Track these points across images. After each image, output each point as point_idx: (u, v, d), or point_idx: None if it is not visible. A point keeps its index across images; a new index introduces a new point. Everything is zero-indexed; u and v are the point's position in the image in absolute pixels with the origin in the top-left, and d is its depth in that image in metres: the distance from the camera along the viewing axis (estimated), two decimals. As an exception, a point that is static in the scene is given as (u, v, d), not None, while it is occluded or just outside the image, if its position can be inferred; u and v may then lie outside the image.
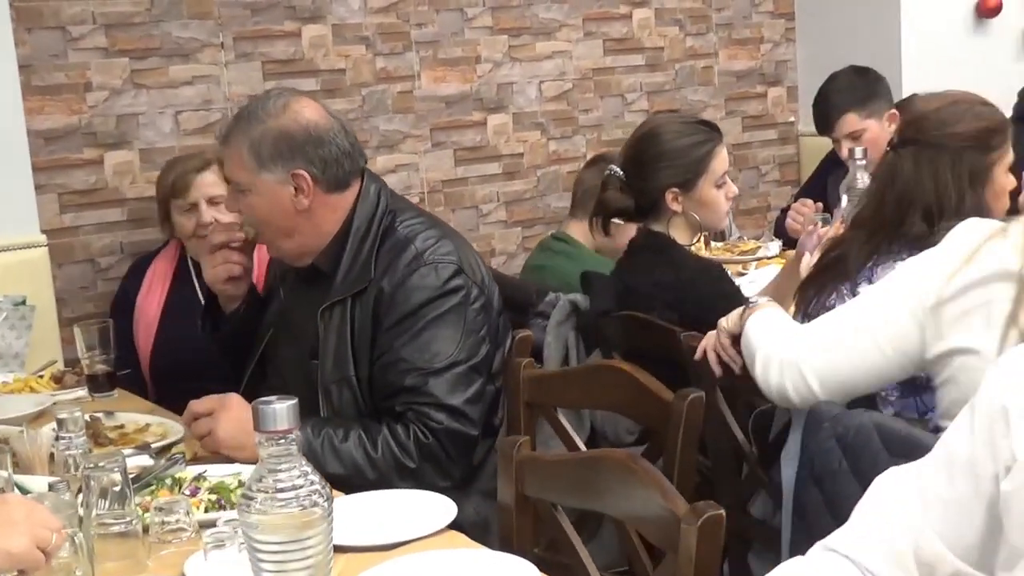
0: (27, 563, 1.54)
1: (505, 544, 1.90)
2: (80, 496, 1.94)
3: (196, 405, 2.35)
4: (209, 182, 3.37)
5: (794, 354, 2.12)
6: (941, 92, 2.47)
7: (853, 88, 3.98)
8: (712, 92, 4.98)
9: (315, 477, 1.32)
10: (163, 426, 2.59)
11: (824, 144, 4.81)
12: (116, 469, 1.83)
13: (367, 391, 2.45)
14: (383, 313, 2.42)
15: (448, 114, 4.31)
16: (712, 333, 2.44)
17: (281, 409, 1.29)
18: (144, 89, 3.72)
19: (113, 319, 3.09)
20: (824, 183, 4.28)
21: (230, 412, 2.30)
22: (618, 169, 2.87)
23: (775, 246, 4.13)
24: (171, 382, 3.22)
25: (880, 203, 2.42)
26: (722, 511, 1.55)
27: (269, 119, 2.43)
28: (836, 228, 3.03)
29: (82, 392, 2.97)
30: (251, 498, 1.31)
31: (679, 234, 2.88)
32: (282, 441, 1.30)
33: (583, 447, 2.39)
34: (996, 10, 4.95)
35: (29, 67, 3.49)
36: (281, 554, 1.29)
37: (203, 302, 3.37)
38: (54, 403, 2.87)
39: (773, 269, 3.76)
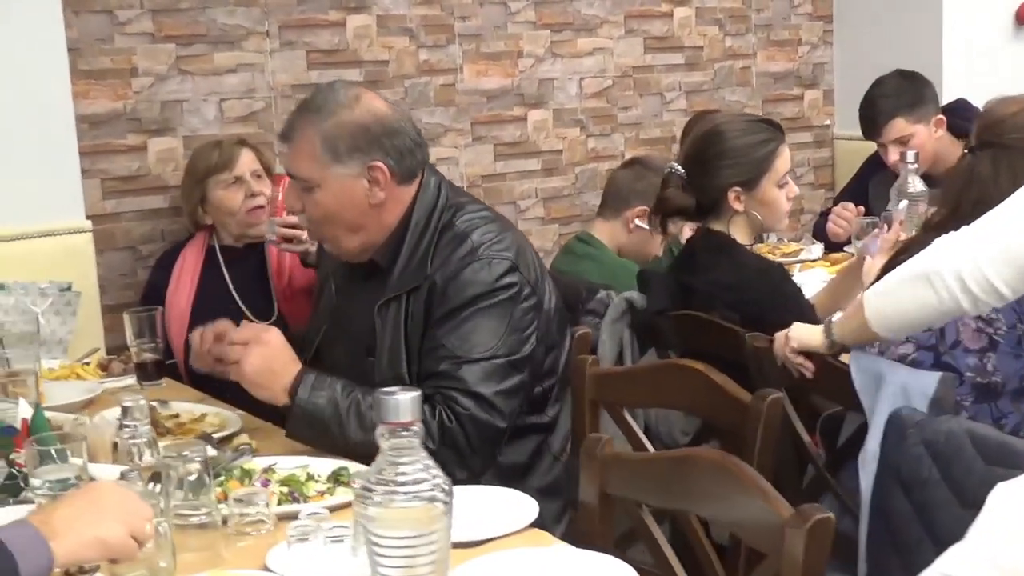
0: (120, 552, 1.51)
1: (586, 542, 1.87)
2: (152, 485, 1.93)
3: (235, 333, 2.32)
4: (250, 159, 3.41)
5: (964, 258, 2.01)
6: (1019, 96, 2.44)
7: (901, 93, 3.95)
8: (749, 93, 4.95)
9: (437, 471, 1.28)
10: (220, 416, 2.56)
11: (860, 148, 4.79)
12: (197, 459, 1.79)
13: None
14: (435, 306, 2.38)
15: (489, 108, 4.27)
16: (780, 339, 2.41)
17: (404, 400, 1.26)
18: (189, 76, 3.69)
19: None
20: (865, 187, 4.25)
21: (264, 348, 2.27)
22: (679, 167, 2.83)
23: (818, 249, 4.10)
24: (206, 378, 3.18)
25: (956, 205, 2.39)
26: (831, 515, 1.52)
27: (342, 111, 2.38)
28: (896, 232, 3.00)
29: (130, 380, 2.93)
30: (370, 490, 1.27)
31: (739, 233, 2.84)
32: (404, 433, 1.26)
33: (650, 446, 2.36)
34: (1036, 17, 4.92)
35: (76, 50, 3.45)
36: (404, 549, 1.25)
37: (234, 292, 3.36)
38: (104, 390, 2.85)
39: (817, 272, 3.73)
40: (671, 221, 2.95)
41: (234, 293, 3.39)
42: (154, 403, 2.59)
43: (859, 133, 4.95)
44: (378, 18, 4.00)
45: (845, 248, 4.05)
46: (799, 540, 1.51)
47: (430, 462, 1.28)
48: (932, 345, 2.31)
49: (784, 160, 2.83)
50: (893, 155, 3.93)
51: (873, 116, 3.98)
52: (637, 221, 3.55)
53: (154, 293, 3.45)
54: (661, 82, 4.69)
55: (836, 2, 5.15)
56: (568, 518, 2.50)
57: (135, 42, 3.59)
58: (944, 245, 2.04)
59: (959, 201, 2.39)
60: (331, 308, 2.63)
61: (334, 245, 2.49)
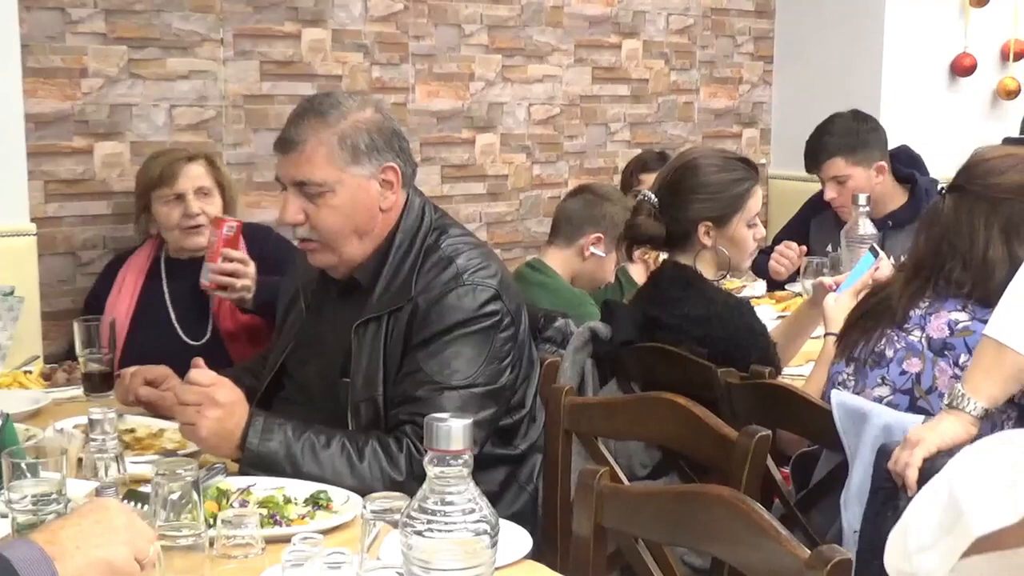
0: (124, 575, 1.44)
1: (579, 574, 1.84)
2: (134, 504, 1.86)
3: (183, 394, 2.17)
4: (196, 174, 3.28)
5: None
6: (1001, 147, 2.49)
7: (847, 134, 4.01)
8: (691, 128, 4.99)
9: (483, 503, 1.24)
10: (179, 432, 2.47)
11: (794, 188, 4.88)
12: (188, 477, 1.73)
13: (387, 409, 2.37)
14: (415, 329, 2.34)
15: (438, 130, 4.24)
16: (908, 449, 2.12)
17: (456, 428, 1.21)
18: (140, 80, 3.59)
19: None
20: (806, 226, 4.31)
21: (219, 411, 2.15)
22: (652, 195, 2.83)
23: (761, 285, 4.15)
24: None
25: (920, 243, 2.43)
26: (850, 556, 1.51)
27: (354, 112, 2.34)
28: (841, 278, 3.02)
29: (76, 391, 2.84)
30: (415, 518, 1.22)
31: (705, 269, 2.84)
32: (454, 462, 1.22)
33: (624, 478, 2.34)
34: (970, 69, 5.05)
35: (26, 47, 3.34)
36: (447, 581, 1.21)
37: (170, 307, 3.26)
38: (52, 400, 2.75)
39: (764, 309, 3.75)
40: (637, 248, 2.94)
41: (170, 308, 3.28)
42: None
43: (794, 172, 5.05)
44: (333, 32, 3.95)
45: (786, 286, 4.10)
46: (819, 582, 1.49)
47: (476, 492, 1.24)
48: (908, 389, 2.33)
49: (756, 200, 2.84)
50: (829, 192, 4.02)
51: (815, 151, 4.05)
52: (592, 248, 3.54)
53: (95, 301, 3.35)
54: (607, 112, 4.71)
55: (777, 43, 5.23)
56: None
57: (86, 42, 3.49)
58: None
59: (922, 240, 2.43)
60: (300, 326, 2.57)
61: (337, 254, 2.40)
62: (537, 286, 3.53)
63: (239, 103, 3.76)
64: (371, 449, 2.22)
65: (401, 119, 4.09)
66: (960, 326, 2.31)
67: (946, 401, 2.12)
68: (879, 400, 2.32)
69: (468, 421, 1.23)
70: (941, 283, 2.37)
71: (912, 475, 2.03)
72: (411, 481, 2.18)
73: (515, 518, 2.45)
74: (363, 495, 2.04)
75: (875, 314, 2.46)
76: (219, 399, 2.15)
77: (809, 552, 1.54)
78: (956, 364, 2.28)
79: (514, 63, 4.41)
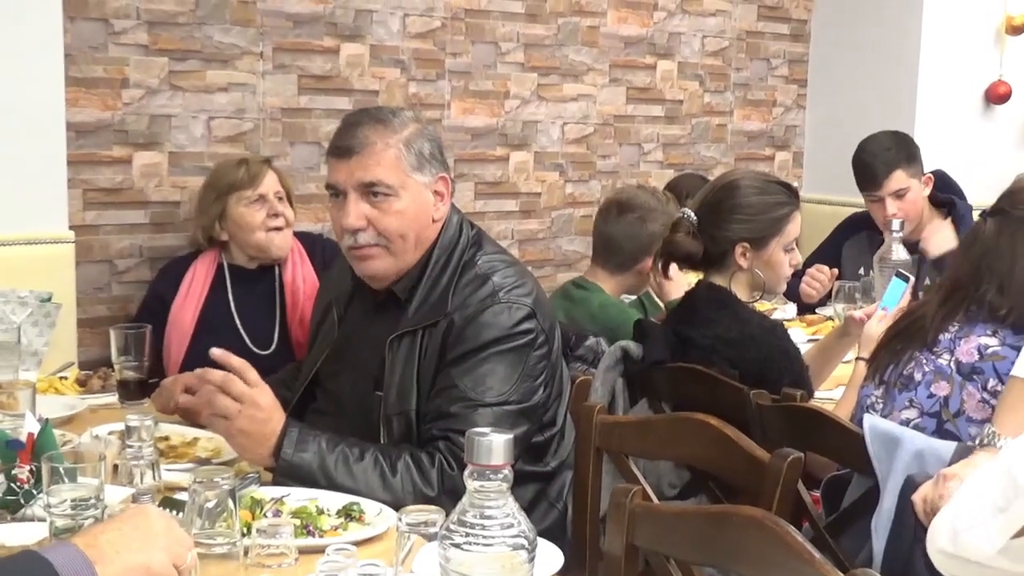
0: None
1: (610, 594, 1.84)
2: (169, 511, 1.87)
3: (232, 385, 2.14)
4: (274, 179, 3.38)
5: None
6: None
7: (899, 146, 4.01)
8: (723, 150, 5.00)
9: (522, 518, 1.25)
10: (213, 442, 2.48)
11: (825, 211, 4.88)
12: (225, 486, 1.75)
13: (420, 424, 2.38)
14: (450, 345, 2.35)
15: (473, 146, 4.27)
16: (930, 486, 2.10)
17: (498, 442, 1.22)
18: (180, 91, 3.63)
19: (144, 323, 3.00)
20: (839, 250, 4.30)
21: (257, 412, 2.15)
22: (691, 213, 2.83)
23: (791, 308, 4.15)
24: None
25: (958, 265, 2.43)
26: (883, 581, 1.51)
27: (412, 122, 2.40)
28: (871, 309, 3.02)
29: (111, 398, 2.86)
30: (453, 531, 1.24)
31: (739, 290, 2.84)
32: (494, 476, 1.23)
33: (653, 496, 2.34)
34: (1005, 97, 5.04)
35: (68, 56, 3.38)
36: (484, 595, 1.22)
37: (235, 315, 3.30)
38: (87, 407, 2.77)
39: (795, 332, 3.74)
40: (673, 265, 2.94)
41: (235, 316, 3.33)
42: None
43: (826, 196, 5.06)
44: (371, 48, 3.98)
45: (817, 309, 4.10)
46: (851, 606, 1.49)
47: (515, 507, 1.25)
48: (936, 412, 2.33)
49: (795, 226, 2.84)
50: (891, 208, 3.95)
51: (874, 168, 3.99)
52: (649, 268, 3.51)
53: (158, 304, 3.39)
54: (640, 132, 4.72)
55: (811, 68, 5.23)
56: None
57: (128, 52, 3.53)
58: None
59: (961, 260, 2.43)
60: (334, 338, 2.58)
61: (396, 262, 2.41)
62: (577, 303, 3.50)
63: (277, 116, 3.80)
64: (404, 464, 2.23)
65: (436, 135, 4.12)
66: (990, 351, 2.30)
67: (978, 441, 2.12)
68: (906, 423, 2.32)
69: (509, 436, 1.24)
70: (974, 307, 2.37)
71: (939, 504, 1.98)
72: (442, 496, 2.19)
73: (544, 535, 2.45)
74: (395, 508, 2.07)
75: (906, 336, 2.46)
76: (260, 402, 2.16)
77: (842, 575, 1.54)
78: (984, 388, 2.28)
79: (549, 82, 4.43)
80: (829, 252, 4.32)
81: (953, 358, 2.34)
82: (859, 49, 5.07)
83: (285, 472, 2.18)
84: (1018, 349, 2.12)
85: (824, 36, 5.20)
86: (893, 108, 4.90)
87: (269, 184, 3.34)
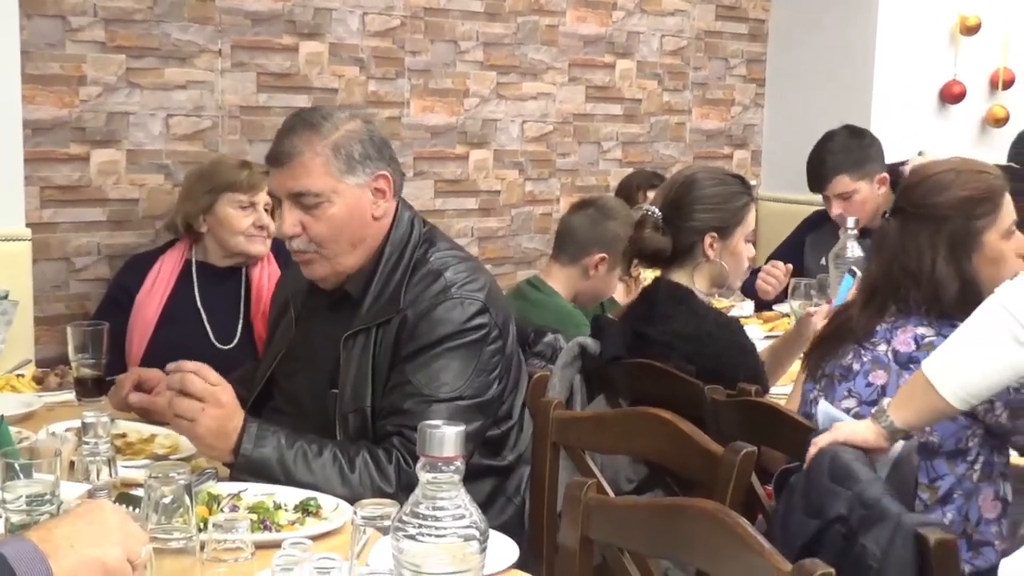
0: (116, 575, 1.46)
1: (564, 587, 1.86)
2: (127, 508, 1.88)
3: (191, 384, 2.14)
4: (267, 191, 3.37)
5: None
6: (943, 161, 2.52)
7: (848, 150, 4.07)
8: (682, 148, 5.04)
9: (473, 509, 1.27)
10: (171, 438, 2.48)
11: (784, 210, 4.92)
12: (181, 481, 1.75)
13: (375, 420, 2.39)
14: (404, 342, 2.37)
15: (432, 145, 4.28)
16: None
17: (450, 434, 1.24)
18: (138, 88, 3.62)
19: (105, 317, 2.99)
20: (801, 245, 4.34)
21: (220, 411, 2.16)
22: (656, 209, 2.85)
23: (749, 306, 4.18)
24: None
25: (874, 269, 2.49)
26: (832, 570, 1.54)
27: (345, 122, 2.39)
28: (824, 310, 3.06)
29: (68, 395, 2.86)
30: (406, 523, 1.25)
31: (701, 283, 2.87)
32: (446, 468, 1.25)
33: (610, 490, 2.36)
34: (959, 97, 5.11)
35: (25, 54, 3.36)
36: (436, 586, 1.23)
37: (201, 310, 3.30)
38: (43, 404, 2.77)
39: (752, 329, 3.78)
40: (637, 264, 2.95)
41: (201, 311, 3.33)
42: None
43: (784, 194, 5.11)
44: (331, 46, 3.99)
45: (774, 306, 4.14)
46: (800, 595, 1.52)
47: (467, 499, 1.27)
48: (874, 400, 2.37)
49: (753, 216, 2.89)
50: (836, 208, 4.03)
51: (819, 171, 4.08)
52: (599, 267, 3.54)
53: (124, 296, 3.38)
54: (600, 131, 4.75)
55: (769, 67, 5.28)
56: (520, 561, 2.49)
57: (85, 50, 3.51)
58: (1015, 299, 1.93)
59: (875, 264, 2.48)
60: (290, 337, 2.59)
61: (332, 265, 2.43)
62: (533, 304, 3.53)
63: (235, 114, 3.79)
64: (361, 460, 2.24)
65: (395, 133, 4.14)
66: (926, 340, 2.35)
67: (874, 409, 2.16)
68: (847, 412, 2.37)
69: (461, 428, 1.26)
70: (901, 305, 2.41)
71: (811, 452, 2.16)
72: (400, 492, 2.20)
73: (502, 530, 2.47)
74: (353, 502, 2.10)
75: (837, 336, 2.50)
76: (223, 399, 2.16)
77: (792, 565, 1.57)
78: None
79: (509, 80, 4.45)
80: (792, 247, 4.36)
81: (890, 348, 2.39)
82: (816, 49, 5.12)
83: (244, 468, 2.19)
84: None
85: (782, 36, 5.25)
86: (850, 107, 4.95)
87: (263, 196, 3.34)
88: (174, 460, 2.30)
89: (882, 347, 2.40)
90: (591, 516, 1.87)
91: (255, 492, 2.09)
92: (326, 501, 2.09)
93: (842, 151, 4.05)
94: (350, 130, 2.38)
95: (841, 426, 2.14)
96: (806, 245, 4.27)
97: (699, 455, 2.18)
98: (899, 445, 2.18)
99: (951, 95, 5.11)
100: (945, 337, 2.21)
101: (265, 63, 3.85)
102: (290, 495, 2.10)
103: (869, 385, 2.40)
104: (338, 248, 2.40)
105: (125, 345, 3.30)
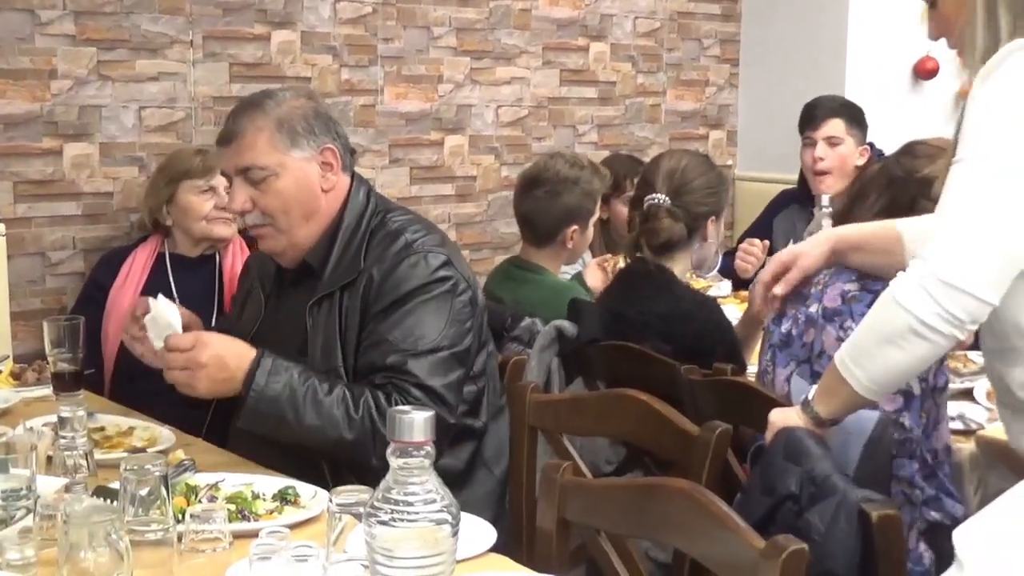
0: None
1: (543, 568, 1.87)
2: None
3: (171, 362, 2.30)
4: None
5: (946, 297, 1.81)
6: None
7: (847, 104, 4.18)
8: (658, 130, 5.04)
9: (445, 492, 1.28)
10: (149, 431, 2.50)
11: (760, 189, 4.94)
12: (157, 473, 1.75)
13: (353, 380, 2.42)
14: (372, 300, 2.43)
15: (407, 131, 4.27)
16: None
17: (419, 420, 1.25)
18: (109, 81, 3.60)
19: (81, 312, 2.99)
20: (770, 224, 4.37)
21: (203, 370, 2.28)
22: (664, 197, 2.85)
23: (726, 285, 4.19)
24: (133, 382, 3.12)
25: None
26: (804, 546, 1.55)
27: (289, 100, 2.47)
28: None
29: (46, 391, 2.85)
30: (378, 508, 1.26)
31: (681, 267, 2.89)
32: (417, 453, 1.26)
33: (588, 472, 2.38)
34: (933, 73, 5.12)
35: (-6, 49, 3.36)
36: (410, 571, 1.24)
37: (177, 302, 3.30)
38: (20, 399, 2.76)
39: (730, 308, 3.79)
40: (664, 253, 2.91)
41: (177, 301, 3.32)
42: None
43: (760, 174, 5.12)
44: (303, 34, 3.97)
45: (751, 285, 4.15)
46: (773, 572, 1.53)
47: (439, 483, 1.28)
48: (807, 359, 2.40)
49: None
50: (820, 150, 4.08)
51: (814, 111, 4.16)
52: (574, 236, 3.53)
53: (99, 292, 3.39)
54: (575, 114, 4.75)
55: (743, 47, 5.28)
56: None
57: (56, 43, 3.50)
58: (914, 288, 1.86)
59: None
60: (258, 318, 2.62)
61: (287, 238, 2.48)
62: (524, 283, 3.50)
63: (209, 105, 3.78)
64: (365, 401, 2.31)
65: (369, 121, 4.14)
66: (850, 295, 2.35)
67: (801, 399, 2.13)
68: (789, 378, 2.39)
69: (430, 413, 1.26)
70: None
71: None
72: None
73: (483, 502, 2.50)
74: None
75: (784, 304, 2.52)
76: (202, 359, 2.27)
77: (765, 542, 1.59)
78: (841, 328, 2.33)
79: (482, 65, 4.45)
80: (761, 228, 4.39)
81: (820, 305, 2.40)
82: (789, 28, 5.13)
83: (256, 402, 2.28)
84: (875, 293, 2.14)
85: (754, 15, 5.25)
86: (824, 85, 4.94)
87: (221, 178, 3.33)
88: (152, 452, 2.31)
89: (814, 307, 2.41)
90: (567, 498, 1.88)
91: (233, 482, 2.10)
92: (304, 489, 2.10)
93: (844, 104, 4.17)
94: (293, 106, 2.46)
95: (772, 416, 2.13)
96: (774, 224, 4.30)
97: (675, 435, 2.20)
98: (871, 422, 2.19)
99: (925, 71, 5.12)
100: (870, 292, 2.21)
101: (237, 53, 3.84)
102: (268, 484, 2.11)
103: (804, 345, 2.42)
104: (290, 220, 2.46)
105: (101, 339, 3.29)
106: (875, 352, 1.90)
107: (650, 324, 2.76)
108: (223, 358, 2.29)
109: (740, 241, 4.29)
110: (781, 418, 2.10)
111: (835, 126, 4.09)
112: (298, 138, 2.43)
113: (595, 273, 3.63)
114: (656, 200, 2.85)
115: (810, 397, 2.09)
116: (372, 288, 2.41)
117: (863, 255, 2.26)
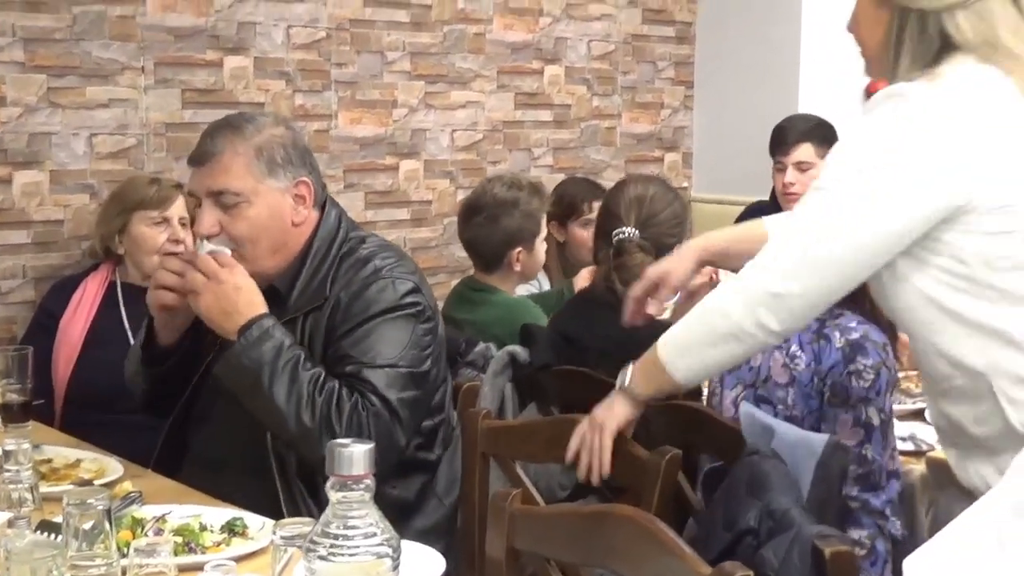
0: None
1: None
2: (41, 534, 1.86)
3: (201, 262, 2.35)
4: (181, 204, 3.36)
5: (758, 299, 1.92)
6: None
7: (820, 125, 4.15)
8: (613, 153, 5.06)
9: (385, 525, 1.27)
10: (98, 462, 2.47)
11: (715, 211, 4.95)
12: (100, 507, 1.73)
13: None
14: (338, 322, 2.41)
15: (362, 156, 4.27)
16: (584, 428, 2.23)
17: (358, 453, 1.24)
18: (59, 108, 3.58)
19: (32, 341, 2.96)
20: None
21: (218, 287, 2.33)
22: (634, 231, 2.82)
23: (683, 309, 4.21)
24: (84, 411, 3.10)
25: None
26: (751, 572, 1.55)
27: (268, 127, 2.43)
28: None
29: (-5, 422, 2.81)
30: (317, 543, 1.25)
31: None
32: (356, 487, 1.25)
33: (540, 499, 2.37)
34: (885, 93, 5.16)
35: (-59, 76, 3.33)
36: (349, 605, 1.23)
37: (128, 331, 3.27)
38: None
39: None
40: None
41: (128, 331, 3.30)
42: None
43: (715, 196, 5.14)
44: (255, 60, 3.97)
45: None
46: (720, 599, 1.53)
47: (379, 516, 1.27)
48: (752, 383, 2.44)
49: None
50: (790, 176, 4.06)
51: (785, 135, 4.13)
52: (520, 258, 3.53)
53: (50, 320, 3.35)
54: (530, 138, 4.76)
55: (697, 69, 5.31)
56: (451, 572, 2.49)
57: (4, 70, 3.47)
58: (733, 292, 1.97)
59: None
60: (218, 340, 2.59)
61: (250, 267, 2.43)
62: (479, 304, 3.50)
63: (161, 131, 3.77)
64: (330, 388, 2.31)
65: (324, 146, 4.13)
66: None
67: (618, 381, 2.18)
68: (735, 400, 2.41)
69: (370, 446, 1.26)
70: None
71: (607, 458, 2.16)
72: (348, 433, 2.26)
73: (432, 532, 2.49)
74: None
75: None
76: (225, 279, 2.32)
77: (711, 569, 1.59)
78: (787, 354, 2.40)
79: (437, 89, 4.45)
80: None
81: None
82: (743, 50, 5.16)
83: (242, 350, 2.30)
84: (820, 320, 2.19)
85: (708, 38, 5.28)
86: (778, 107, 4.97)
87: (176, 209, 3.34)
88: (99, 484, 2.29)
89: None
90: (516, 526, 1.88)
91: (181, 514, 2.08)
92: (253, 520, 2.08)
93: (816, 126, 4.12)
94: (274, 134, 2.42)
95: (606, 417, 2.19)
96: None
97: (625, 460, 2.19)
98: (819, 445, 2.20)
99: (877, 90, 5.16)
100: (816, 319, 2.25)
101: (189, 79, 3.83)
102: (216, 516, 2.09)
103: (751, 369, 2.45)
104: (257, 251, 2.43)
105: (51, 368, 3.26)
106: (696, 351, 2.02)
107: (606, 349, 2.76)
108: (240, 293, 2.32)
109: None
110: (604, 411, 2.18)
111: (805, 151, 4.07)
112: (276, 168, 2.40)
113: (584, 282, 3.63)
114: (625, 234, 2.82)
115: (627, 382, 2.15)
116: (339, 311, 2.40)
117: (731, 260, 2.29)
